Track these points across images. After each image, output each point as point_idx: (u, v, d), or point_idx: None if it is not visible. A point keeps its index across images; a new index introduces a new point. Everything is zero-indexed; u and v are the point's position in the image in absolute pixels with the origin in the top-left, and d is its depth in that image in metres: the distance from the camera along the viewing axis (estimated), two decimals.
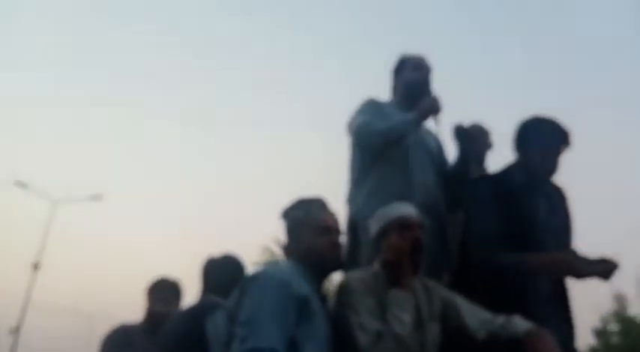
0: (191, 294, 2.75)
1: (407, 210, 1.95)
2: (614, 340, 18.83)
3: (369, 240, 2.03)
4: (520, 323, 1.77)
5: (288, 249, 1.89)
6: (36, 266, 15.91)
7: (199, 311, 2.41)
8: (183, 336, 2.32)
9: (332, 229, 1.84)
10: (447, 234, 2.40)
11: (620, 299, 20.01)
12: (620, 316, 19.78)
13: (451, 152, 2.66)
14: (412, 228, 1.88)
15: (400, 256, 1.77)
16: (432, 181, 2.48)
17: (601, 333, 19.45)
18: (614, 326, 19.63)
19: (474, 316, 1.84)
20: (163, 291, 2.87)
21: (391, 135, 2.42)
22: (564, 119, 2.17)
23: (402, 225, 1.89)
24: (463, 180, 2.48)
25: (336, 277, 2.00)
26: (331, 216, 1.89)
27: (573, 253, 2.07)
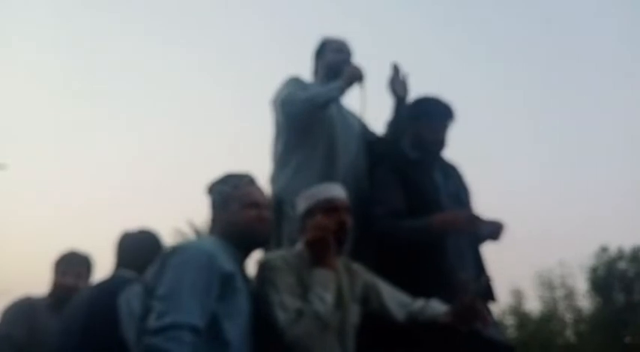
0: (102, 272, 2.65)
1: (334, 191, 1.96)
2: (510, 333, 19.97)
3: (293, 217, 2.03)
4: (439, 306, 1.88)
5: (213, 225, 1.83)
6: None
7: (110, 286, 2.32)
8: (91, 312, 2.22)
9: (260, 203, 1.80)
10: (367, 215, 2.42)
11: (517, 294, 21.30)
12: (516, 310, 21.06)
13: (376, 129, 2.75)
14: (338, 210, 1.88)
15: (324, 235, 1.76)
16: (356, 161, 2.53)
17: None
18: (510, 320, 20.86)
19: (394, 299, 1.92)
20: (73, 264, 2.74)
21: (317, 101, 2.44)
22: None
23: (328, 206, 1.88)
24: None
25: (257, 255, 1.98)
26: (259, 191, 1.86)
27: (468, 210, 2.35)
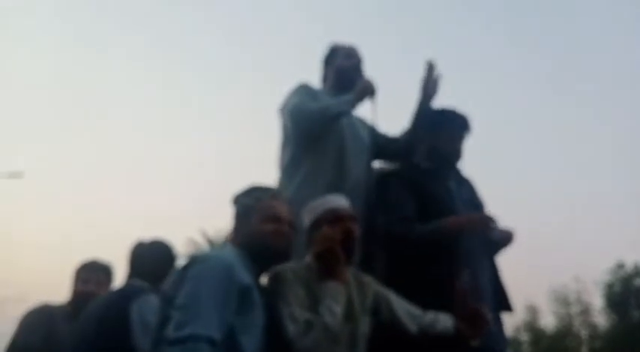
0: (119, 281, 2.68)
1: (339, 202, 1.96)
2: (525, 349, 19.73)
3: (302, 229, 2.05)
4: (448, 320, 1.90)
5: (234, 236, 1.84)
6: None
7: (121, 296, 2.35)
8: (104, 318, 2.25)
9: (282, 218, 1.80)
10: (377, 224, 2.40)
11: (532, 310, 21.07)
12: (531, 326, 20.81)
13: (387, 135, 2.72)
14: (344, 220, 1.88)
15: (331, 246, 1.76)
16: (366, 171, 2.50)
17: (513, 342, 20.36)
18: (525, 336, 20.62)
19: (406, 310, 1.92)
20: (94, 272, 2.76)
21: (328, 114, 2.41)
22: None
23: (333, 217, 1.89)
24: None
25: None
26: (283, 206, 1.85)
27: (482, 213, 2.37)
